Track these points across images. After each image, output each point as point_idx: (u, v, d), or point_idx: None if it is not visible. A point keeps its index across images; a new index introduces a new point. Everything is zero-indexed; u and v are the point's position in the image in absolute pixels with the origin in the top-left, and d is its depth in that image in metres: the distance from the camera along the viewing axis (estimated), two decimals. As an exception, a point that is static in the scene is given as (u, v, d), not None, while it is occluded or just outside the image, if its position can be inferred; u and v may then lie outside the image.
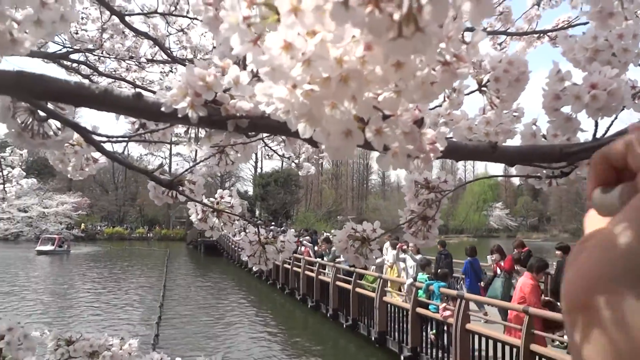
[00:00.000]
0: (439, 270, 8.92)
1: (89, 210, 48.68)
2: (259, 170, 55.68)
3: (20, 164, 4.19)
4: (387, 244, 10.37)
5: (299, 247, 14.82)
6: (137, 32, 3.13)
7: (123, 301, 15.15)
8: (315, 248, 15.28)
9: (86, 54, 3.62)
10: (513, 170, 1.09)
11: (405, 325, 8.98)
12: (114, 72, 4.01)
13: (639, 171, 0.32)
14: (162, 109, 0.67)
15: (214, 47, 3.78)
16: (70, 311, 13.87)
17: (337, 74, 0.42)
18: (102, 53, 3.70)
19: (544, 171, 1.06)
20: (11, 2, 0.63)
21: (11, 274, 21.09)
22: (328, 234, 16.03)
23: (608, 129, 0.93)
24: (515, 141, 1.08)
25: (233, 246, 24.31)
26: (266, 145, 2.54)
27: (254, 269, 1.28)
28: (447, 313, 7.58)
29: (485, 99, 1.07)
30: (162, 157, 45.11)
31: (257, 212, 46.33)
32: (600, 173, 0.36)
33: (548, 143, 1.00)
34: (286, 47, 0.41)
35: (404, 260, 9.90)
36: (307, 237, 16.78)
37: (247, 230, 1.23)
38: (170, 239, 48.51)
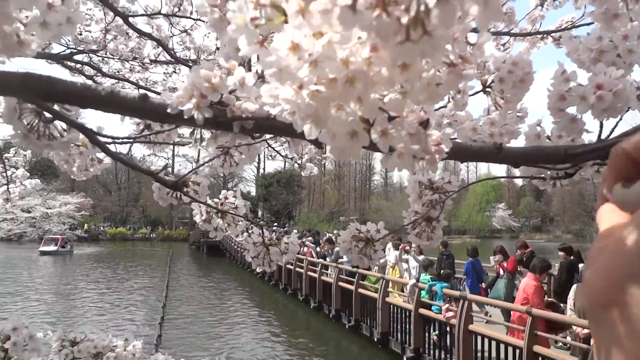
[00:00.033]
0: (442, 271, 8.91)
1: (92, 210, 48.80)
2: (261, 170, 55.78)
3: (24, 164, 4.21)
4: (389, 245, 10.36)
5: (302, 248, 14.81)
6: (141, 33, 3.14)
7: (126, 301, 15.18)
8: (318, 249, 15.28)
9: (90, 54, 3.64)
10: (516, 171, 1.09)
11: (407, 326, 8.97)
12: (117, 73, 4.02)
13: None
14: (168, 110, 0.67)
15: (217, 48, 3.79)
16: (74, 311, 13.91)
17: (343, 75, 0.42)
18: (105, 54, 3.71)
19: (548, 172, 1.06)
20: (18, 4, 0.63)
21: (15, 274, 21.15)
22: (330, 235, 16.03)
23: (612, 130, 0.93)
24: (519, 142, 1.09)
25: (236, 247, 24.33)
26: (269, 146, 2.55)
27: (258, 270, 1.28)
28: (450, 314, 7.57)
29: (490, 100, 1.06)
30: (165, 158, 45.30)
31: (260, 213, 46.37)
32: (621, 168, 0.35)
33: (552, 144, 1.00)
34: (293, 48, 0.41)
35: (406, 261, 9.89)
36: (310, 238, 16.77)
37: (250, 231, 1.23)
38: (173, 239, 48.58)
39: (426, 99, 0.50)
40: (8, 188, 3.58)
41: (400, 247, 10.06)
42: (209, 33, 3.98)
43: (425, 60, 0.46)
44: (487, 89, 1.05)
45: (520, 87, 0.99)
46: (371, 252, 1.07)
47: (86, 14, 3.74)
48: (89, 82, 2.64)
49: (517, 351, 6.21)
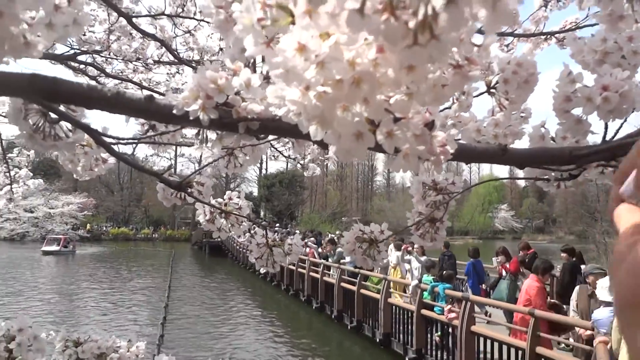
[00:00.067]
0: (444, 272, 8.90)
1: (95, 210, 48.88)
2: (264, 171, 55.79)
3: (27, 164, 4.22)
4: (391, 246, 10.35)
5: (304, 249, 14.82)
6: (144, 34, 3.15)
7: (129, 302, 15.20)
8: (320, 249, 15.28)
9: (93, 55, 3.65)
10: (520, 172, 1.08)
11: (410, 327, 8.96)
12: (121, 74, 4.03)
13: None
14: (174, 111, 0.67)
15: (221, 49, 3.80)
16: (77, 311, 13.95)
17: (350, 76, 0.42)
18: (109, 54, 3.72)
19: (552, 173, 1.05)
20: (25, 5, 0.63)
21: (18, 274, 21.20)
22: (333, 235, 16.03)
23: (617, 131, 0.93)
24: (523, 143, 1.08)
25: (238, 247, 24.35)
26: (272, 146, 2.54)
27: (261, 271, 1.28)
28: (452, 315, 7.56)
29: (494, 101, 1.06)
30: (167, 158, 45.31)
31: (262, 213, 46.39)
32: None
33: (557, 145, 1.00)
34: (300, 49, 0.41)
35: (409, 262, 9.88)
36: (312, 239, 16.77)
37: (252, 232, 1.23)
38: (175, 239, 48.61)
39: (432, 100, 0.50)
40: (11, 188, 3.59)
41: (402, 248, 10.05)
42: (212, 34, 3.99)
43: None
44: (492, 90, 1.05)
45: (524, 88, 0.98)
46: (375, 253, 1.07)
47: (90, 14, 3.75)
48: (93, 82, 2.65)
49: (520, 352, 6.20)
